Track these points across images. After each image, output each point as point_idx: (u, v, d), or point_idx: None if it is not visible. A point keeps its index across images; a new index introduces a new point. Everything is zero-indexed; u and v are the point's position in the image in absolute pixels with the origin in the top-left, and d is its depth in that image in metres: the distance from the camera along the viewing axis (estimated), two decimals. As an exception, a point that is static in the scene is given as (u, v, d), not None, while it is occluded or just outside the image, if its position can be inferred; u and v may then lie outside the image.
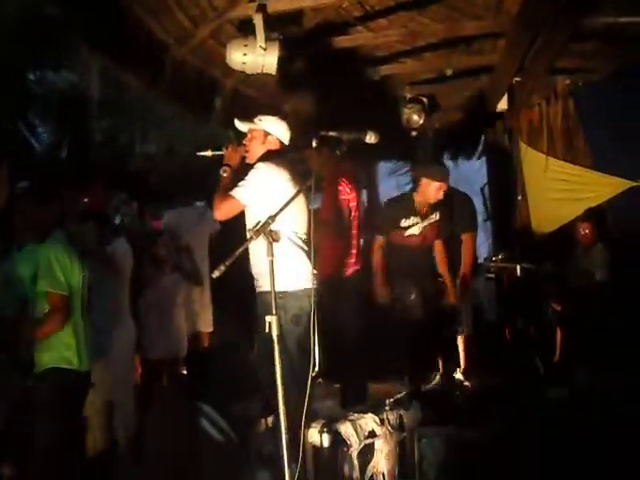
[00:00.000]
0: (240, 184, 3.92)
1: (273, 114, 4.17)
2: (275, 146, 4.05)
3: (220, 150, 4.12)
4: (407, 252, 5.21)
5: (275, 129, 4.06)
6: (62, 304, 3.54)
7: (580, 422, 3.88)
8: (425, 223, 5.23)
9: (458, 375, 5.62)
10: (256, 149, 4.07)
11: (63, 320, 3.54)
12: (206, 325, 6.36)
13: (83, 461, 4.06)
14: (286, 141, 4.09)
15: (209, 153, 4.14)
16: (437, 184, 5.10)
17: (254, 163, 4.05)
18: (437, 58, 6.41)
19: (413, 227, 5.20)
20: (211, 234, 6.53)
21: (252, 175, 3.93)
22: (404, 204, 5.29)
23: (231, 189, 3.93)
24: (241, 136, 4.20)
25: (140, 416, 4.84)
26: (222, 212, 3.98)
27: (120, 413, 4.75)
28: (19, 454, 3.62)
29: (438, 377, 5.75)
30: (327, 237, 4.80)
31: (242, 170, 4.08)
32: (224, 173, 4.04)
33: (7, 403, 3.69)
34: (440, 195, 5.14)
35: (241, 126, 4.16)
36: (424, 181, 5.13)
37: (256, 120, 4.08)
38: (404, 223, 5.18)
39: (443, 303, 5.38)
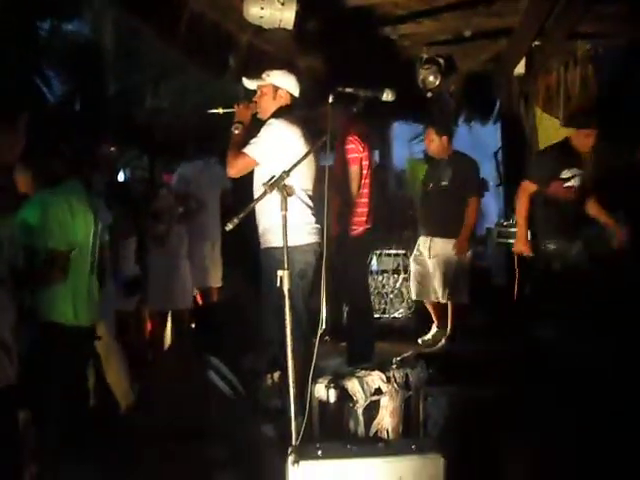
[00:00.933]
0: (252, 141, 3.91)
1: (286, 69, 4.15)
2: (286, 101, 4.05)
3: (231, 107, 4.11)
4: (561, 205, 5.04)
5: (284, 82, 4.05)
6: (64, 258, 3.49)
7: (585, 385, 3.91)
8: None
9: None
10: (268, 105, 4.06)
11: (62, 274, 3.49)
12: (216, 280, 6.41)
13: (89, 414, 4.13)
14: (296, 94, 4.08)
15: (220, 110, 4.13)
16: (585, 131, 5.00)
17: (266, 119, 4.04)
18: (456, 19, 6.29)
19: (574, 178, 5.04)
20: (223, 190, 6.53)
21: (264, 131, 3.92)
22: (565, 152, 5.08)
23: (243, 146, 3.93)
24: (252, 92, 4.18)
25: (147, 368, 4.90)
26: (235, 169, 3.99)
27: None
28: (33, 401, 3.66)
29: (443, 340, 5.79)
30: (338, 194, 4.81)
31: (254, 127, 4.07)
32: (236, 130, 4.03)
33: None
34: (591, 142, 5.00)
35: (249, 84, 4.13)
36: (572, 132, 5.02)
37: (264, 76, 4.06)
38: (566, 174, 5.02)
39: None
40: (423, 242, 5.92)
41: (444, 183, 5.77)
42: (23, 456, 3.25)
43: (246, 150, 3.91)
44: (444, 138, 5.79)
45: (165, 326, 5.62)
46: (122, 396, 4.62)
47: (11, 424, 2.65)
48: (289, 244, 3.58)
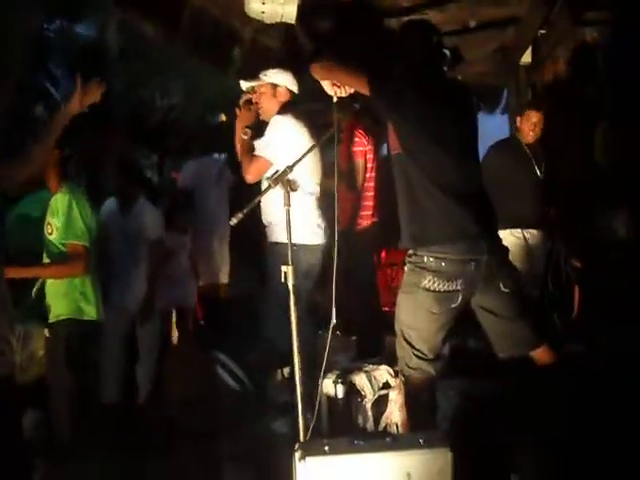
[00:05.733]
0: (262, 142, 3.92)
1: (281, 66, 4.15)
2: (286, 97, 4.07)
3: (233, 112, 4.13)
4: None
5: (281, 80, 4.07)
6: (85, 254, 3.56)
7: (596, 378, 3.87)
8: None
9: None
10: (269, 105, 4.07)
11: (85, 269, 3.56)
12: (224, 276, 6.41)
13: (101, 410, 4.15)
14: (295, 89, 4.10)
15: (224, 118, 4.17)
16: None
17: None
18: (461, 9, 6.24)
19: None
20: (230, 186, 6.54)
21: (271, 131, 3.93)
22: None
23: (253, 149, 3.95)
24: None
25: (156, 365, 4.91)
26: (253, 175, 3.96)
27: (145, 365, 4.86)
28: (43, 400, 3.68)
29: None
30: (343, 189, 4.79)
31: (258, 127, 4.08)
32: (245, 136, 4.05)
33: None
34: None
35: (246, 85, 4.14)
36: None
37: (261, 76, 4.07)
38: None
39: None
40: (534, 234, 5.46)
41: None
42: (34, 455, 3.28)
43: (259, 153, 3.92)
44: None
45: (169, 323, 5.62)
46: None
47: (13, 414, 2.65)
48: (296, 242, 3.60)
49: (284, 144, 3.85)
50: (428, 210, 3.07)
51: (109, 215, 4.74)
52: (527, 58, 6.56)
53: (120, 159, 5.79)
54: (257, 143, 4.00)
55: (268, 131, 3.96)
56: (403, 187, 3.19)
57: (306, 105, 4.16)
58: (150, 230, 4.91)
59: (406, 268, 3.19)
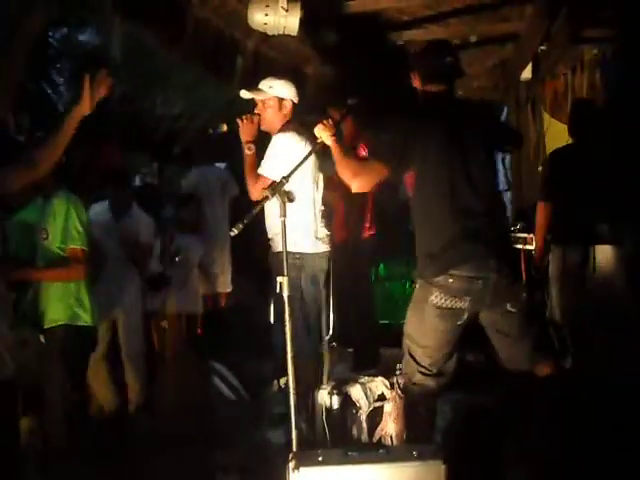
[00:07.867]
0: (265, 160, 3.88)
1: (284, 78, 4.12)
2: (290, 109, 4.01)
3: (234, 122, 4.07)
4: None
5: (287, 92, 4.01)
6: (84, 257, 3.56)
7: (590, 392, 3.88)
8: None
9: None
10: (274, 118, 3.99)
11: (84, 272, 3.57)
12: (225, 286, 6.42)
13: (94, 417, 4.15)
14: (296, 100, 4.05)
15: (225, 128, 4.12)
16: None
17: (275, 133, 4.01)
18: (462, 24, 6.30)
19: None
20: (232, 196, 6.57)
21: (274, 149, 3.88)
22: None
23: (257, 165, 3.91)
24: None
25: (154, 372, 4.91)
26: (258, 193, 3.82)
27: (132, 370, 4.85)
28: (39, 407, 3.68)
29: None
30: (342, 201, 4.80)
31: (260, 139, 4.05)
32: (249, 151, 3.97)
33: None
34: None
35: (248, 95, 4.06)
36: None
37: (265, 88, 3.99)
38: None
39: None
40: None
41: None
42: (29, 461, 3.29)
43: (262, 171, 3.87)
44: None
45: (172, 331, 5.62)
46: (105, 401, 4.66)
47: (10, 420, 2.65)
48: (303, 251, 3.62)
49: (286, 162, 3.83)
50: (440, 241, 3.08)
51: (99, 220, 4.74)
52: (527, 74, 6.58)
53: (116, 168, 5.87)
54: (263, 161, 3.96)
55: (272, 149, 3.91)
56: (416, 222, 3.22)
57: (303, 117, 4.15)
58: (143, 234, 5.07)
59: (417, 284, 3.21)
